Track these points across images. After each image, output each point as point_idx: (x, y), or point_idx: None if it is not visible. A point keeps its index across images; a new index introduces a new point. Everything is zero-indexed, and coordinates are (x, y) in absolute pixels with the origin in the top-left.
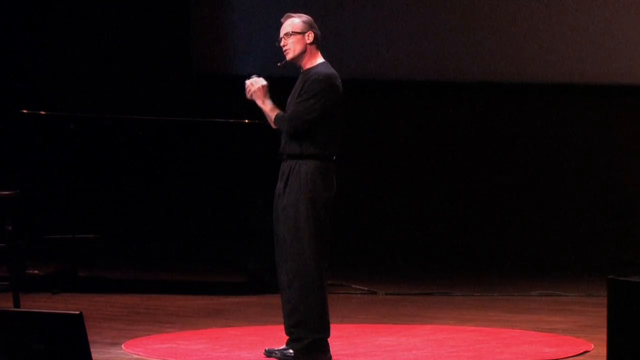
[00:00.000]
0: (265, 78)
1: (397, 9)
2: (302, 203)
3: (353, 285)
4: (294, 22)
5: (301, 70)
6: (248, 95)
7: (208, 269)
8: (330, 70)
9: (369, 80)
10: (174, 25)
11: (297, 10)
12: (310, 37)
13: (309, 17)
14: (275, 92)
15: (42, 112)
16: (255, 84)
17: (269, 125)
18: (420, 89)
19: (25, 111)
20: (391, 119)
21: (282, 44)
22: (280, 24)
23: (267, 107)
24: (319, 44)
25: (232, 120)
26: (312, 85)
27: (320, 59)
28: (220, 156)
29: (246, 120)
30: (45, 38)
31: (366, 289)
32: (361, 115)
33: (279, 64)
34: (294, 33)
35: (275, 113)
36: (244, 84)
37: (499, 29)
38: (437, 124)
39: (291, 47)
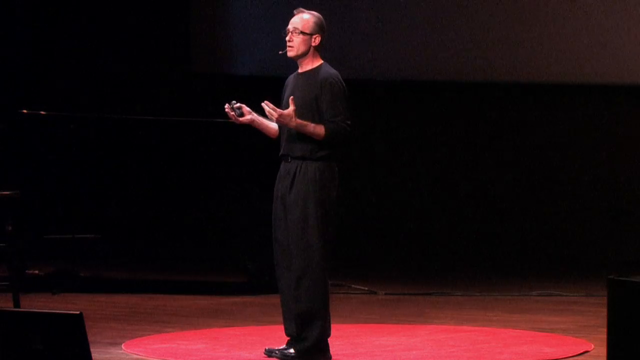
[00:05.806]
0: (265, 78)
1: (397, 10)
2: (311, 202)
3: (353, 285)
4: (305, 20)
5: (299, 70)
6: (286, 122)
7: (208, 269)
8: (335, 71)
9: (369, 80)
10: (174, 25)
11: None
12: (316, 40)
13: (321, 17)
14: (274, 92)
15: (42, 112)
16: (281, 112)
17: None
18: (420, 89)
19: (25, 111)
20: (391, 119)
21: (287, 38)
22: (292, 16)
23: (309, 127)
24: (323, 46)
25: (232, 120)
26: (334, 88)
27: (320, 60)
28: (220, 156)
29: None
30: (45, 38)
31: (366, 289)
32: (361, 116)
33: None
34: (303, 33)
35: (322, 126)
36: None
37: (499, 29)
38: (437, 123)
39: (295, 45)
